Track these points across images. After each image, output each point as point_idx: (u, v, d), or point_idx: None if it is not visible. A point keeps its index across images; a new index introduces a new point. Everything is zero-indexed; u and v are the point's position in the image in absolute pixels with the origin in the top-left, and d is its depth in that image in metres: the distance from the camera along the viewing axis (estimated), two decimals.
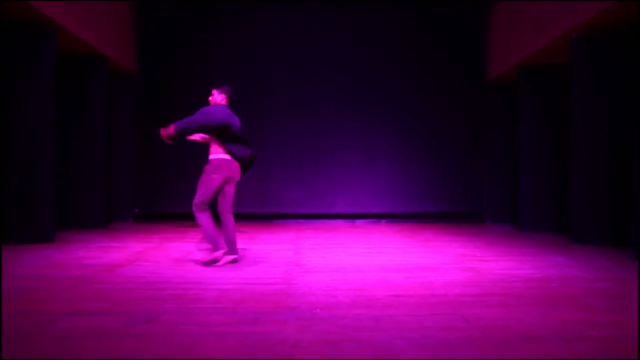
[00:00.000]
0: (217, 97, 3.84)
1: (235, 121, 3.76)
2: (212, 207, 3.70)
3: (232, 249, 3.74)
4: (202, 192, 3.62)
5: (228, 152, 3.65)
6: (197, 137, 3.98)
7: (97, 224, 6.10)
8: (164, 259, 4.01)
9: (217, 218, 3.75)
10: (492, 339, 2.08)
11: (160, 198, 7.45)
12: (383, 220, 7.46)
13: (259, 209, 7.47)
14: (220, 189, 3.67)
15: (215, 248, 3.68)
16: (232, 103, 3.88)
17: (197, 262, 3.82)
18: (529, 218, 6.26)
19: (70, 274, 3.37)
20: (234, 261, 3.74)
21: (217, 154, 3.67)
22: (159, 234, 5.75)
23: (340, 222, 7.38)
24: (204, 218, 3.64)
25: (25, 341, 2.01)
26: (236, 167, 3.71)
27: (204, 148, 7.85)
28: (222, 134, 3.64)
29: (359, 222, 7.41)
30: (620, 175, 4.85)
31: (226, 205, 3.76)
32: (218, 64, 7.46)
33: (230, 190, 3.73)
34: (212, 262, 3.66)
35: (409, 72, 7.58)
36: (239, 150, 3.70)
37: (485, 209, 7.53)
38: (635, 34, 4.59)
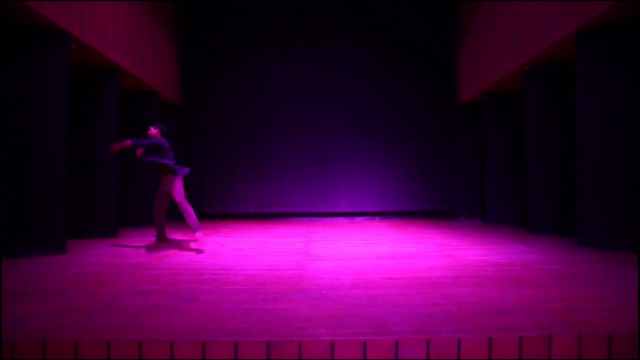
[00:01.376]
0: (153, 131, 4.05)
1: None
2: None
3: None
4: None
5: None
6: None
7: (150, 222, 6.14)
8: (201, 250, 4.02)
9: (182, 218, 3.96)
10: (466, 312, 2.05)
11: (197, 201, 7.49)
12: (377, 217, 7.43)
13: (277, 209, 7.50)
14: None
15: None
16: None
17: (229, 252, 3.82)
18: (495, 214, 6.21)
19: (129, 262, 3.40)
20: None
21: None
22: None
23: (342, 219, 7.35)
24: None
25: (96, 314, 2.03)
26: None
27: (231, 168, 7.75)
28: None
29: (357, 219, 7.38)
30: (567, 179, 4.83)
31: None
32: (247, 97, 7.55)
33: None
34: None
35: (398, 98, 7.61)
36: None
37: (460, 207, 7.46)
38: (570, 68, 4.64)
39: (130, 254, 3.81)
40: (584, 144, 4.00)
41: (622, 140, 3.79)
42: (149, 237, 4.90)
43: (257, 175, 7.53)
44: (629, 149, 3.74)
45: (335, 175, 7.60)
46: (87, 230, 4.73)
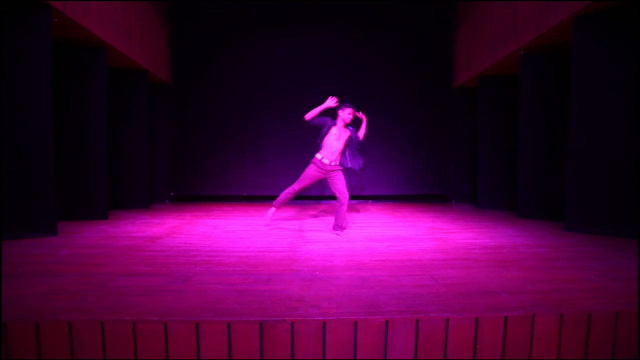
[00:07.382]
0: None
1: None
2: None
3: None
4: None
5: None
6: None
7: (142, 204, 6.12)
8: (194, 232, 4.04)
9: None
10: (455, 293, 2.12)
11: (190, 184, 7.48)
12: (370, 201, 7.49)
13: (272, 192, 7.50)
14: None
15: None
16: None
17: (221, 234, 3.84)
18: (486, 198, 6.31)
19: (121, 244, 3.40)
20: None
21: None
22: (189, 212, 5.78)
23: (335, 202, 7.39)
24: None
25: (88, 296, 2.05)
26: None
27: (225, 150, 7.68)
28: None
29: (350, 202, 7.43)
30: (555, 165, 4.89)
31: None
32: (240, 78, 7.41)
33: None
34: None
35: (393, 82, 7.55)
36: None
37: (451, 192, 7.55)
38: (565, 51, 4.64)
39: (122, 236, 3.81)
40: (575, 129, 4.04)
41: (613, 127, 3.84)
42: (141, 220, 4.89)
43: (250, 158, 7.50)
44: (619, 136, 3.80)
45: None
46: (77, 213, 4.70)
